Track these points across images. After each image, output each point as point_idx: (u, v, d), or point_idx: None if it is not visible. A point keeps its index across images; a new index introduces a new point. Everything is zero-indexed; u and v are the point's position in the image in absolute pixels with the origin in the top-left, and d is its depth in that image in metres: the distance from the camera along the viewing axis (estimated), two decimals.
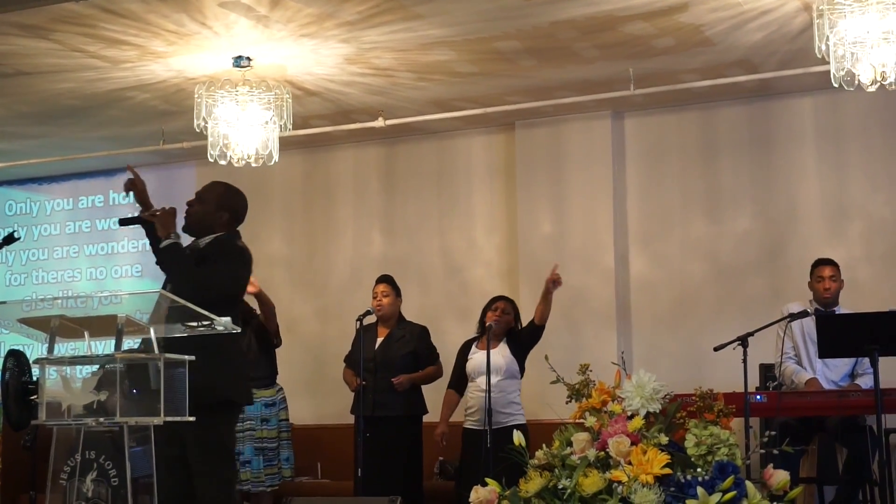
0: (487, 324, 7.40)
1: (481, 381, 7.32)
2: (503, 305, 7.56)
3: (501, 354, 7.43)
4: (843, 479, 7.16)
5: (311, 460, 9.09)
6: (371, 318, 7.69)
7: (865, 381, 7.13)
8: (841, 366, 7.33)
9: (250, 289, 7.72)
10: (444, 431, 7.62)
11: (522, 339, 7.53)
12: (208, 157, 7.75)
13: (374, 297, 7.80)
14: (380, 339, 7.78)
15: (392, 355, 7.73)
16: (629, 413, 4.82)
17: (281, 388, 8.06)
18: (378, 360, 7.69)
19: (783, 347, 7.28)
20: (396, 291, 7.86)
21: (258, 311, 8.07)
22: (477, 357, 7.47)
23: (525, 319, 7.71)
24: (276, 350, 8.28)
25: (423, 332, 7.90)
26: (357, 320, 7.52)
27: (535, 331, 7.52)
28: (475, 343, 7.55)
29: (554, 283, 7.44)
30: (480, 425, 7.26)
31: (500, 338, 7.51)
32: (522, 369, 7.54)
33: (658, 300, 8.93)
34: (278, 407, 7.96)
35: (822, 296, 7.35)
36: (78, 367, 5.51)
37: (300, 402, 9.38)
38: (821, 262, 7.47)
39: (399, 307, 7.89)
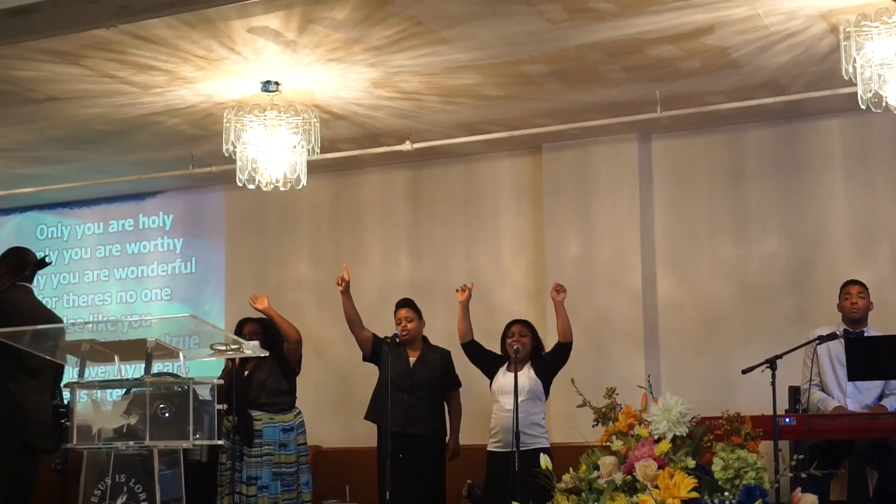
0: (515, 347, 7.38)
1: (504, 401, 7.30)
2: (518, 329, 7.56)
3: (526, 376, 7.42)
4: (873, 502, 7.11)
5: (339, 483, 9.10)
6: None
7: (891, 402, 7.11)
8: (872, 388, 7.30)
9: (257, 305, 7.80)
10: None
11: (547, 361, 7.52)
12: (237, 181, 7.79)
13: (399, 323, 7.84)
14: (412, 360, 7.84)
15: (426, 377, 7.82)
16: (656, 436, 4.83)
17: (300, 413, 8.07)
18: (413, 380, 7.77)
19: (810, 375, 7.25)
20: (419, 314, 7.93)
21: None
22: (502, 378, 7.46)
23: (549, 338, 7.71)
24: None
25: (449, 358, 7.99)
26: (383, 341, 7.56)
27: (561, 350, 7.52)
28: (506, 365, 7.53)
29: (557, 291, 7.46)
30: (504, 447, 7.24)
31: (525, 360, 7.51)
32: (548, 392, 7.53)
33: (685, 322, 8.91)
34: (296, 431, 7.96)
35: (850, 312, 7.33)
36: (108, 391, 5.57)
37: (328, 425, 9.43)
38: (849, 283, 7.48)
39: (422, 329, 7.96)
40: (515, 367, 7.25)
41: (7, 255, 7.28)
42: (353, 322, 7.93)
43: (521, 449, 6.91)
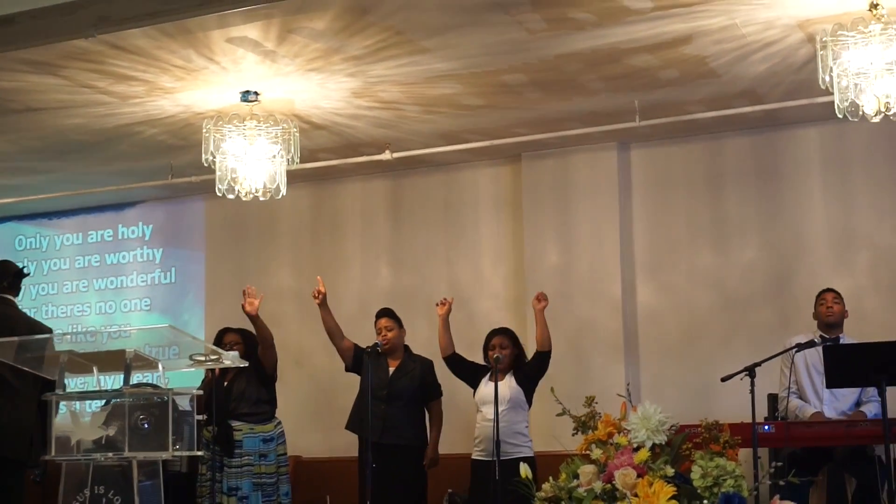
0: (494, 356, 7.40)
1: (487, 410, 7.34)
2: (498, 341, 7.57)
3: (508, 385, 7.45)
4: None
5: (319, 493, 9.08)
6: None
7: (870, 409, 7.15)
8: (848, 395, 7.35)
9: (247, 308, 7.76)
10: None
11: (528, 370, 7.55)
12: (216, 191, 7.78)
13: (379, 333, 7.86)
14: (392, 369, 7.85)
15: (404, 386, 7.81)
16: (635, 445, 4.83)
17: (280, 423, 8.06)
18: (391, 389, 7.77)
19: (788, 383, 7.30)
20: (398, 323, 7.94)
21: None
22: (485, 388, 7.49)
23: (529, 347, 7.75)
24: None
25: (430, 366, 7.99)
26: (365, 351, 7.57)
27: (540, 358, 7.55)
28: (488, 375, 7.55)
29: (539, 300, 7.50)
30: (487, 456, 7.26)
31: (507, 370, 7.53)
32: (530, 400, 7.55)
33: (665, 330, 8.93)
34: (276, 442, 7.95)
35: (825, 316, 7.42)
36: (87, 402, 5.55)
37: (309, 435, 9.41)
38: (823, 291, 7.59)
39: (404, 338, 7.98)
40: (496, 377, 7.26)
41: None
42: (334, 334, 7.93)
43: (504, 458, 6.93)
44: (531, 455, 7.31)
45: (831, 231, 8.58)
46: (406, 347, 8.01)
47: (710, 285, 8.86)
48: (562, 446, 5.94)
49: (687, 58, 7.28)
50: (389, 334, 7.85)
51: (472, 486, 7.57)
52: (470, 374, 7.70)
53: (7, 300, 7.00)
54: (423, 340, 8.29)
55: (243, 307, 7.77)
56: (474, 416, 7.67)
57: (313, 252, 10.10)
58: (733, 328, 8.70)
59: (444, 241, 9.69)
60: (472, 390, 7.75)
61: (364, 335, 8.06)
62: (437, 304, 7.80)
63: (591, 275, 9.00)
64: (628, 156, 9.15)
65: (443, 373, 7.95)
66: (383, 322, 7.90)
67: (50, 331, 6.98)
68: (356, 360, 7.84)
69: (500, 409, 7.19)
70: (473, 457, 7.54)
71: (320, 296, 7.83)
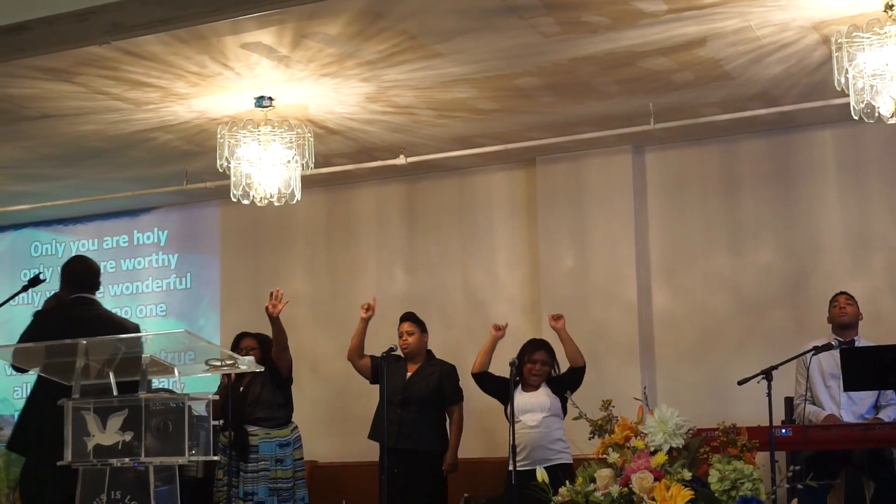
0: (518, 367, 7.29)
1: (525, 418, 7.31)
2: (541, 357, 7.52)
3: (546, 394, 7.45)
4: None
5: (335, 498, 9.08)
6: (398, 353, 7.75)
7: (888, 413, 7.12)
8: (866, 398, 7.32)
9: (270, 309, 7.72)
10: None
11: (564, 384, 7.43)
12: (231, 196, 7.80)
13: (400, 337, 7.87)
14: (409, 374, 7.86)
15: (420, 391, 7.81)
16: (652, 448, 4.82)
17: (296, 427, 8.04)
18: (406, 394, 7.78)
19: (804, 391, 7.28)
20: (421, 328, 7.94)
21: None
22: (522, 398, 7.41)
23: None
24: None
25: (451, 371, 7.96)
26: (380, 358, 7.55)
27: (575, 374, 7.54)
28: (520, 386, 7.48)
29: (555, 320, 7.51)
30: (531, 465, 7.06)
31: (541, 381, 7.52)
32: (565, 409, 7.49)
33: (681, 334, 8.91)
34: (293, 447, 7.94)
35: (838, 317, 7.41)
36: (103, 408, 5.54)
37: (324, 440, 9.41)
38: (836, 294, 7.60)
39: (426, 343, 7.97)
40: (511, 383, 7.15)
41: (63, 268, 6.77)
42: (356, 349, 7.86)
43: (546, 465, 6.76)
44: (570, 462, 7.26)
45: (847, 233, 8.55)
46: (429, 352, 7.99)
47: (725, 288, 8.83)
48: (578, 450, 5.94)
49: (701, 60, 7.27)
50: (410, 339, 7.86)
51: (507, 497, 7.17)
52: (501, 389, 7.57)
53: (86, 300, 6.57)
54: (438, 344, 8.29)
55: (267, 308, 7.74)
56: (493, 420, 7.63)
57: (328, 257, 10.11)
58: (749, 331, 8.68)
59: (458, 245, 9.69)
60: (482, 392, 7.71)
61: (380, 340, 8.05)
62: (495, 328, 7.72)
63: (606, 278, 8.98)
64: (643, 159, 9.14)
65: (466, 378, 7.89)
66: (406, 326, 7.91)
67: (136, 327, 6.69)
68: (375, 371, 7.81)
69: (540, 416, 7.25)
70: (518, 468, 7.03)
71: (370, 311, 7.83)
